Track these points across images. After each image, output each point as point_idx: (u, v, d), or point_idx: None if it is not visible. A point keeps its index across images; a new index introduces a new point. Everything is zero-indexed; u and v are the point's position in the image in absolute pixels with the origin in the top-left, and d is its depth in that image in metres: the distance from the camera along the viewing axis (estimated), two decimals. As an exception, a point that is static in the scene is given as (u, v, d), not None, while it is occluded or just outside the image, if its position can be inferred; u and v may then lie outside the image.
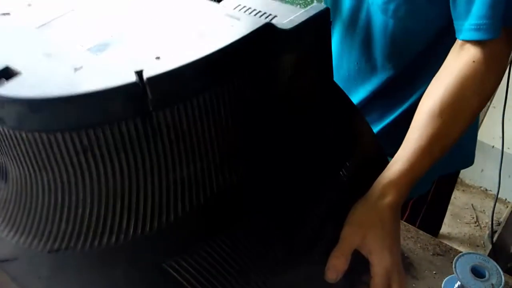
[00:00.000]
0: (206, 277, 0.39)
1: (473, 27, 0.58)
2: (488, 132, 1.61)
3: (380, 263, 0.51)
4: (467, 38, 0.59)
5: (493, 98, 1.31)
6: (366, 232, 0.51)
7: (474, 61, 0.58)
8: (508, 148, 1.69)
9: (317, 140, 0.50)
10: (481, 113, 1.38)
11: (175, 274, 0.38)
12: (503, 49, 0.59)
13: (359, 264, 0.52)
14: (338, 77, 0.82)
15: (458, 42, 0.61)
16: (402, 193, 0.54)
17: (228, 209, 0.42)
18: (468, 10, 0.58)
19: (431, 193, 0.88)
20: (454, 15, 0.61)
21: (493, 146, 1.81)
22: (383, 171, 0.56)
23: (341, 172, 0.52)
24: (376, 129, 0.81)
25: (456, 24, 0.61)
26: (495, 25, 0.57)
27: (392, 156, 0.60)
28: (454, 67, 0.59)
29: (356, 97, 0.81)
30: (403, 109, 0.77)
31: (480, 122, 1.39)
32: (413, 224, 0.76)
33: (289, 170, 0.47)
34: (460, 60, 0.59)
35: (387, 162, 0.59)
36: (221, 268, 0.40)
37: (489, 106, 1.35)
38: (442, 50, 0.63)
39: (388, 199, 0.53)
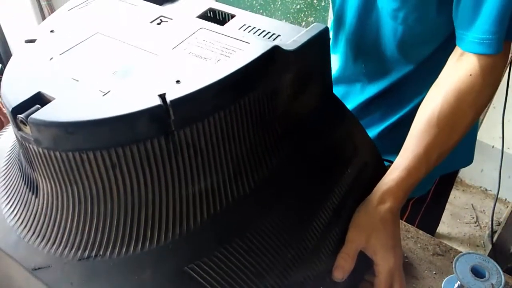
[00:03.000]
0: (225, 278, 0.41)
1: (476, 40, 0.57)
2: (488, 132, 1.60)
3: (384, 262, 0.54)
4: (470, 51, 0.58)
5: (493, 98, 1.33)
6: (369, 234, 0.54)
7: (471, 74, 0.58)
8: (508, 148, 1.69)
9: (320, 148, 0.53)
10: (481, 112, 1.39)
11: (196, 276, 0.40)
12: (500, 62, 0.59)
13: (363, 264, 0.55)
14: (344, 77, 0.84)
15: (458, 50, 0.61)
16: (400, 199, 0.57)
17: (242, 215, 0.44)
18: (472, 21, 0.58)
19: (431, 192, 0.90)
20: (456, 23, 0.61)
21: (493, 146, 1.81)
22: (383, 178, 0.58)
23: (343, 179, 0.55)
24: (378, 129, 0.83)
25: (458, 32, 0.60)
26: (499, 41, 0.56)
27: (394, 154, 0.62)
28: (452, 79, 0.59)
29: (361, 97, 0.82)
30: (406, 110, 0.79)
31: (480, 122, 1.40)
32: (413, 222, 0.78)
33: (296, 177, 0.49)
34: (458, 71, 0.59)
35: (385, 167, 0.61)
36: (238, 270, 0.42)
37: (489, 106, 1.36)
38: (449, 54, 0.63)
39: (387, 205, 0.56)
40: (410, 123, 0.62)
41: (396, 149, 0.64)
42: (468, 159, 0.92)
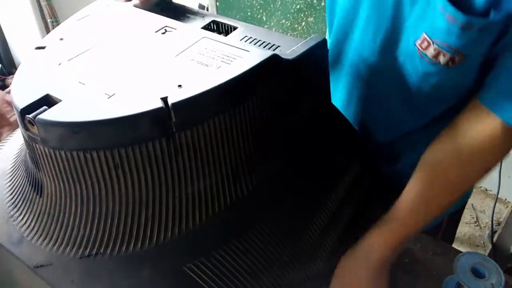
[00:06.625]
0: (222, 278, 0.42)
1: None
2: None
3: None
4: (507, 121, 0.52)
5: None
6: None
7: (493, 137, 0.53)
8: (508, 148, 1.69)
9: (318, 155, 0.54)
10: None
11: (194, 275, 0.41)
12: None
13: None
14: None
15: (482, 108, 0.54)
16: (392, 250, 0.55)
17: (240, 217, 0.45)
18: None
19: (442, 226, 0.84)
20: (490, 85, 0.53)
21: (493, 147, 1.80)
22: (375, 223, 0.56)
23: (340, 185, 0.56)
24: None
25: (489, 95, 0.53)
26: None
27: None
28: (471, 135, 0.54)
29: None
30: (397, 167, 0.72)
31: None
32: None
33: (294, 182, 0.50)
34: (479, 128, 0.54)
35: (382, 176, 0.61)
36: (235, 270, 0.43)
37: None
38: (447, 119, 0.58)
39: (377, 255, 0.54)
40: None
41: None
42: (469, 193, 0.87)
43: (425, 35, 0.51)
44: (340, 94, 0.70)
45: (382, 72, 0.61)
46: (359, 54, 0.62)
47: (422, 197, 0.55)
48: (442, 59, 0.52)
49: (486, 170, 0.56)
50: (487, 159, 0.55)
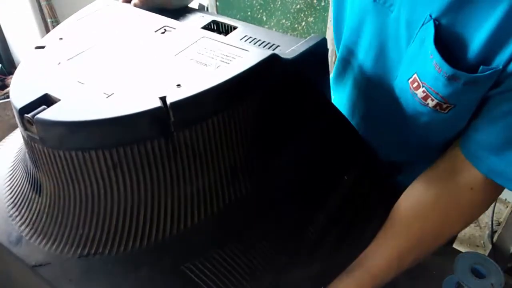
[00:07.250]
0: (220, 277, 0.42)
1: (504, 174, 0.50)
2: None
3: None
4: (488, 176, 0.51)
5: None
6: None
7: (472, 188, 0.52)
8: (508, 149, 1.68)
9: (317, 155, 0.54)
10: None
11: (192, 275, 0.41)
12: None
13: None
14: None
15: (462, 159, 0.53)
16: None
17: (239, 217, 0.45)
18: (502, 147, 0.49)
19: None
20: (471, 135, 0.52)
21: (492, 147, 1.80)
22: (347, 270, 0.54)
23: (339, 186, 0.55)
24: None
25: (470, 146, 0.53)
26: None
27: None
28: (451, 185, 0.53)
29: None
30: None
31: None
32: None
33: (293, 181, 0.50)
34: (458, 178, 0.53)
35: (382, 177, 0.60)
36: (234, 270, 0.43)
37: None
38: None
39: None
40: None
41: None
42: None
43: (416, 76, 0.51)
44: (344, 106, 0.70)
45: (381, 97, 0.60)
46: (362, 73, 0.61)
47: (394, 252, 0.54)
48: (430, 103, 0.51)
49: (465, 224, 0.55)
50: (469, 212, 0.54)
